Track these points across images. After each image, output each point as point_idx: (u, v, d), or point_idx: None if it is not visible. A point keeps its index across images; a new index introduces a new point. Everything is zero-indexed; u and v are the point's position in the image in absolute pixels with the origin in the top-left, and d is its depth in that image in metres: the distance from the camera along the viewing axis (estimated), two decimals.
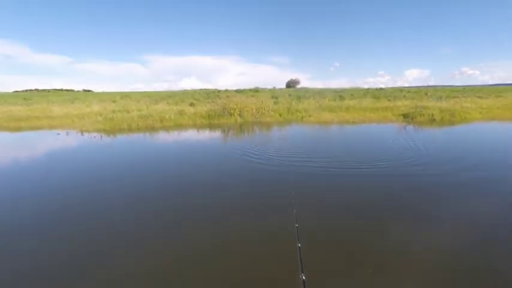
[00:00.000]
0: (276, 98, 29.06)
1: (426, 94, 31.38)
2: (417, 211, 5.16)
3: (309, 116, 19.96)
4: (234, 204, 5.65)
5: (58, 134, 14.98)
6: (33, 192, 6.57)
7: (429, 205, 5.38)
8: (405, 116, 18.80)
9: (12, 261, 3.90)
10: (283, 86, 74.17)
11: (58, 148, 11.68)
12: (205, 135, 14.45)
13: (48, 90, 73.55)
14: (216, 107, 20.34)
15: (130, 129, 16.09)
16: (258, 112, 19.74)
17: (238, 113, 19.09)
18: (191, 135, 14.54)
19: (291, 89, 54.12)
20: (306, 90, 47.31)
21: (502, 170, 7.56)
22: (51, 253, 4.08)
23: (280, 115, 20.10)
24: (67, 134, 14.90)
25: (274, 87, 55.45)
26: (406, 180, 6.78)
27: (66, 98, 38.54)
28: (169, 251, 4.07)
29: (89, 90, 76.63)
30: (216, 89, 48.69)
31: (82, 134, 14.86)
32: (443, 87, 49.15)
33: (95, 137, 13.85)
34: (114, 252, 4.05)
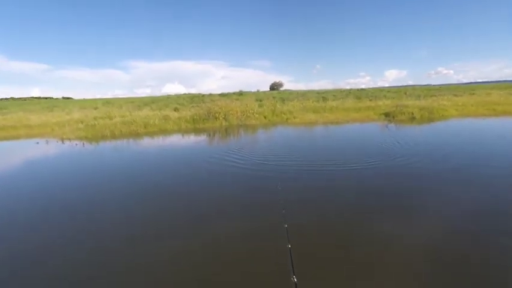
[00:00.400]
0: (261, 100, 29.17)
1: (405, 93, 32.33)
2: (409, 205, 5.34)
3: (294, 117, 20.19)
4: (221, 206, 5.66)
5: (37, 143, 14.49)
6: (12, 200, 6.35)
7: (421, 199, 5.60)
8: (386, 114, 19.34)
9: None
10: (267, 88, 74.48)
11: (37, 157, 11.30)
12: (191, 139, 14.35)
13: (25, 99, 70.76)
14: (201, 111, 20.22)
15: (113, 136, 15.76)
16: (243, 115, 19.78)
17: (223, 116, 19.06)
18: (176, 140, 14.41)
19: (275, 92, 54.36)
20: (289, 92, 47.71)
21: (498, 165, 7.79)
22: (23, 260, 3.96)
23: (265, 117, 20.22)
24: (47, 142, 14.42)
25: (258, 90, 55.53)
26: (396, 176, 6.98)
27: (45, 106, 37.21)
28: (158, 254, 4.04)
29: (68, 98, 74.24)
30: (200, 94, 48.30)
31: (63, 142, 14.43)
32: (421, 87, 50.79)
33: (76, 144, 13.48)
34: (100, 261, 3.99)
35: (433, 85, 70.59)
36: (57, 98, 73.27)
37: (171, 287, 3.42)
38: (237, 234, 4.49)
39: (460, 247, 3.90)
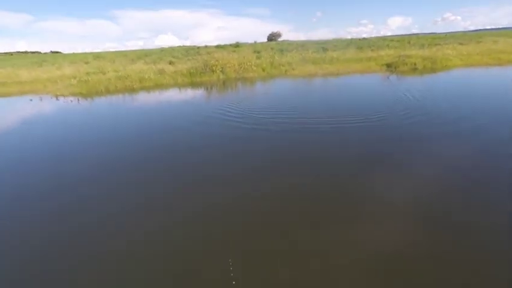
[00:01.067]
0: (258, 52, 28.01)
1: (409, 42, 30.97)
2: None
3: (293, 69, 19.58)
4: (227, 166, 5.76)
5: (31, 100, 14.16)
6: (20, 161, 6.43)
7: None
8: (388, 65, 18.75)
9: None
10: (265, 39, 70.82)
11: (34, 115, 11.16)
12: (188, 94, 14.06)
13: (11, 53, 67.54)
14: (197, 65, 19.52)
15: (108, 92, 15.40)
16: (241, 68, 19.14)
17: (221, 69, 18.45)
18: (173, 95, 14.12)
19: (273, 43, 51.87)
20: (288, 43, 45.53)
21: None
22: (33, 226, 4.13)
23: (263, 70, 19.59)
24: (40, 99, 14.11)
25: (255, 42, 52.89)
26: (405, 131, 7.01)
27: (33, 60, 35.67)
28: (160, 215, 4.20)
29: (57, 52, 70.81)
30: (195, 46, 46.16)
31: (57, 98, 14.11)
32: (426, 35, 48.50)
33: (71, 101, 13.23)
34: (96, 225, 4.16)
35: (439, 33, 67.43)
36: (45, 53, 69.90)
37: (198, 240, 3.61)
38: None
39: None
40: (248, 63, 19.63)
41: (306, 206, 4.00)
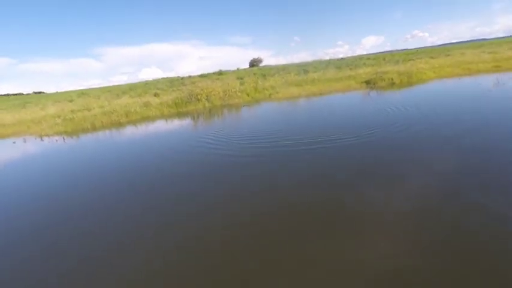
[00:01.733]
0: (242, 78, 28.76)
1: (384, 59, 32.61)
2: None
3: (277, 92, 20.14)
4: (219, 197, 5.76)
5: (14, 142, 13.92)
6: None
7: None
8: (367, 82, 19.56)
9: None
10: (247, 65, 72.95)
11: (17, 157, 10.93)
12: (175, 124, 14.14)
13: None
14: (182, 95, 19.83)
15: (94, 128, 15.33)
16: (226, 95, 19.55)
17: (206, 98, 18.79)
18: (160, 126, 14.17)
19: (255, 68, 53.45)
20: (270, 67, 47.00)
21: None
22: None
23: (247, 95, 20.06)
24: (24, 141, 13.90)
25: (238, 68, 54.45)
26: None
27: (16, 102, 35.32)
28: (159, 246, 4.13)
29: (40, 92, 70.43)
30: (179, 77, 46.94)
31: (41, 139, 13.92)
32: (398, 52, 51.30)
33: (56, 140, 13.06)
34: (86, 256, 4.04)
35: (410, 49, 71.24)
36: (28, 94, 69.35)
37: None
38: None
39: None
40: (232, 90, 20.09)
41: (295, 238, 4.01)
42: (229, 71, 45.93)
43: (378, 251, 3.29)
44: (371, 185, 4.89)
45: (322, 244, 3.54)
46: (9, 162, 10.24)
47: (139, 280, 3.30)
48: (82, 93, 38.58)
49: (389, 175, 5.26)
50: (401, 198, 4.40)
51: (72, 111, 19.29)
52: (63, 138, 13.21)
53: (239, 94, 19.99)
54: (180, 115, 16.56)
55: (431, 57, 29.23)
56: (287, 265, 3.27)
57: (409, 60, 29.06)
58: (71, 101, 29.07)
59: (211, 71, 44.51)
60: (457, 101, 11.36)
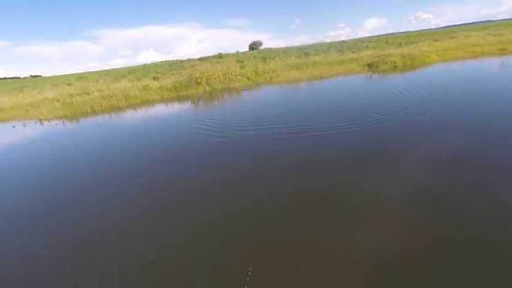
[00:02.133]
0: (242, 61, 28.30)
1: (387, 42, 32.00)
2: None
3: (277, 76, 19.87)
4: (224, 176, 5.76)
5: (13, 126, 13.83)
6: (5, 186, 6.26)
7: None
8: (370, 65, 19.26)
9: None
10: (246, 49, 71.64)
11: (18, 141, 10.89)
12: (175, 108, 14.02)
13: None
14: (182, 78, 19.56)
15: (94, 112, 15.21)
16: (226, 78, 19.28)
17: (206, 81, 18.54)
18: (160, 110, 14.07)
19: (255, 51, 52.47)
20: (270, 50, 46.17)
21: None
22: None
23: (248, 78, 19.79)
24: (24, 125, 13.80)
25: (237, 51, 53.52)
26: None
27: (13, 86, 34.91)
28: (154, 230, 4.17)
29: (37, 76, 69.51)
30: (178, 60, 46.14)
31: (41, 123, 13.83)
32: (401, 34, 50.27)
33: (56, 124, 12.98)
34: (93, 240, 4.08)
35: (413, 31, 69.79)
36: (25, 77, 68.49)
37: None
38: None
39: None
40: (233, 73, 19.80)
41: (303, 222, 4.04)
42: (229, 54, 45.18)
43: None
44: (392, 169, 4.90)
45: (336, 231, 3.58)
46: (10, 146, 10.22)
47: (138, 263, 3.35)
48: (80, 76, 38.06)
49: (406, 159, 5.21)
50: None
51: (70, 95, 19.06)
52: (63, 123, 13.14)
53: (239, 78, 19.72)
54: (180, 99, 16.39)
55: (435, 40, 28.68)
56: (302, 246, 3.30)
57: (412, 43, 28.48)
58: (69, 84, 28.73)
59: (210, 54, 43.59)
60: (464, 84, 11.16)
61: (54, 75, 59.59)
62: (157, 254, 3.44)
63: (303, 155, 5.91)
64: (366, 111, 8.43)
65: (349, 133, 6.81)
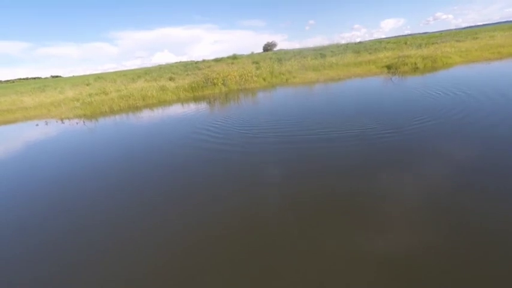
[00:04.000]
0: (257, 62, 28.23)
1: (406, 43, 31.17)
2: None
3: (294, 77, 19.66)
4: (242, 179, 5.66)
5: (36, 125, 14.22)
6: (28, 187, 6.35)
7: None
8: (389, 67, 18.79)
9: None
10: (261, 50, 71.81)
11: (42, 139, 11.14)
12: (191, 108, 14.04)
13: (13, 81, 68.70)
14: (198, 79, 19.66)
15: (112, 111, 15.46)
16: (242, 79, 19.22)
17: (222, 82, 18.55)
18: (177, 110, 14.11)
19: (270, 52, 52.42)
20: (285, 52, 45.96)
21: None
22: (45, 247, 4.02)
23: (264, 79, 19.68)
24: (46, 123, 14.16)
25: (252, 53, 53.68)
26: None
27: (35, 86, 36.16)
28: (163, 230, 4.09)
29: (57, 76, 71.88)
30: (192, 61, 46.66)
31: (62, 122, 14.16)
32: (420, 35, 48.94)
33: (77, 123, 13.25)
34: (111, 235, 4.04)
35: (432, 32, 67.98)
36: (46, 78, 70.97)
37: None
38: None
39: None
40: (249, 74, 19.72)
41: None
42: (244, 55, 45.33)
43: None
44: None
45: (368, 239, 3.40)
46: (34, 144, 10.47)
47: (149, 262, 3.28)
48: (98, 77, 39.00)
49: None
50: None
51: (89, 94, 19.47)
52: (83, 122, 13.40)
53: (255, 79, 19.61)
54: (196, 99, 16.44)
55: (457, 41, 27.75)
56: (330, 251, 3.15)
57: (433, 43, 27.65)
58: (88, 84, 29.44)
59: (224, 55, 43.93)
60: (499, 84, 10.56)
61: (74, 76, 61.50)
62: (171, 261, 3.36)
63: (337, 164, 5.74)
64: (403, 117, 8.05)
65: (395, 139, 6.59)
